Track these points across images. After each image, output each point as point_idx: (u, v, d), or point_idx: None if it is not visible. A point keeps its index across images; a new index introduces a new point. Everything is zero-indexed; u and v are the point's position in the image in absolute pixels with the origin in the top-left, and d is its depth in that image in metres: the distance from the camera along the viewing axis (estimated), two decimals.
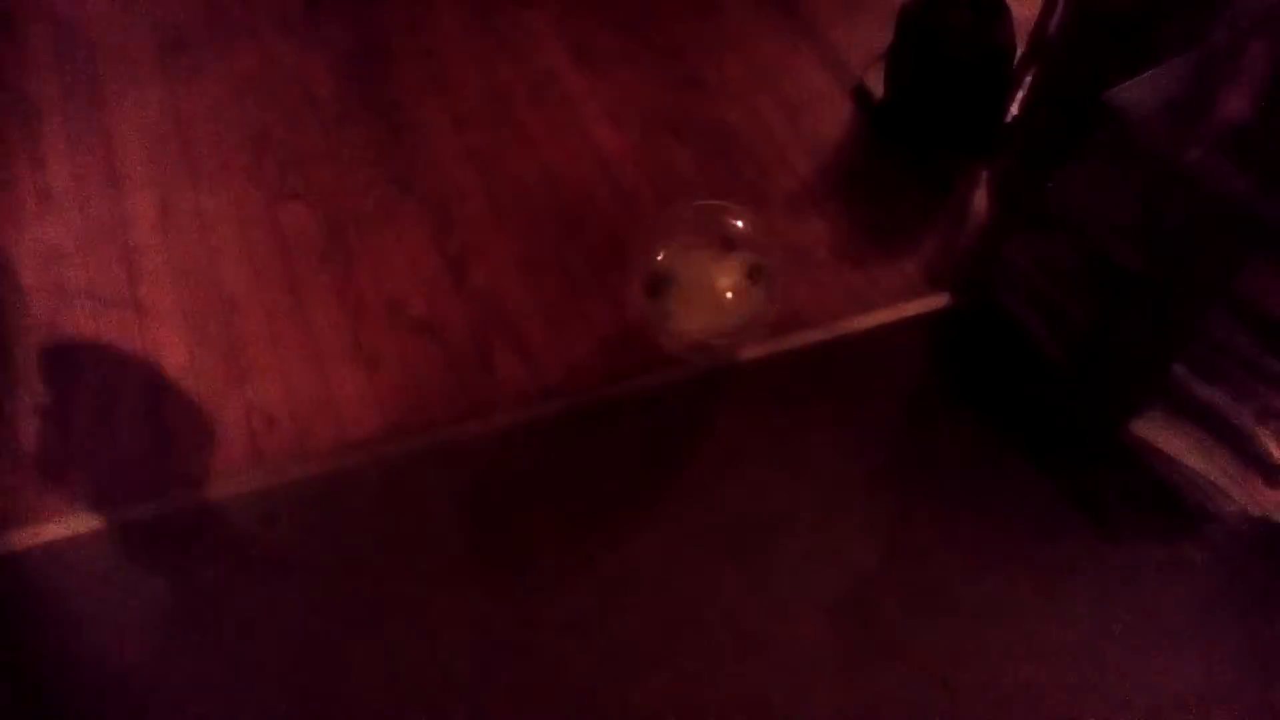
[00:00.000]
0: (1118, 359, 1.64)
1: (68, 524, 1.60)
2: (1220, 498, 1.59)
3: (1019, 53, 2.12)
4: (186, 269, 1.92)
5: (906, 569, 1.68)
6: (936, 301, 2.02)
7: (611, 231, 2.05)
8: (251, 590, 1.56)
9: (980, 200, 2.21)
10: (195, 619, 1.53)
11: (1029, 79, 2.14)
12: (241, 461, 1.69)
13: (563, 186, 2.11)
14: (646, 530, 1.68)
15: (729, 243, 1.74)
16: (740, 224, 1.78)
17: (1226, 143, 1.41)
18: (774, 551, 1.68)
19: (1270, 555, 1.72)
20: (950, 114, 2.23)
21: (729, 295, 1.72)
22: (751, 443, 1.80)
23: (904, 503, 1.76)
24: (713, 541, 1.68)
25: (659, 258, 1.73)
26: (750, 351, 1.89)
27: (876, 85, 2.34)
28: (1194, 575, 1.72)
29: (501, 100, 2.26)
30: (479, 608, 1.57)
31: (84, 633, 1.52)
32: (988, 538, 1.73)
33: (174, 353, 1.81)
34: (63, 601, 1.55)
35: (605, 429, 1.79)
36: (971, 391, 1.89)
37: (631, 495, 1.72)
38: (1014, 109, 2.20)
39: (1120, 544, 1.75)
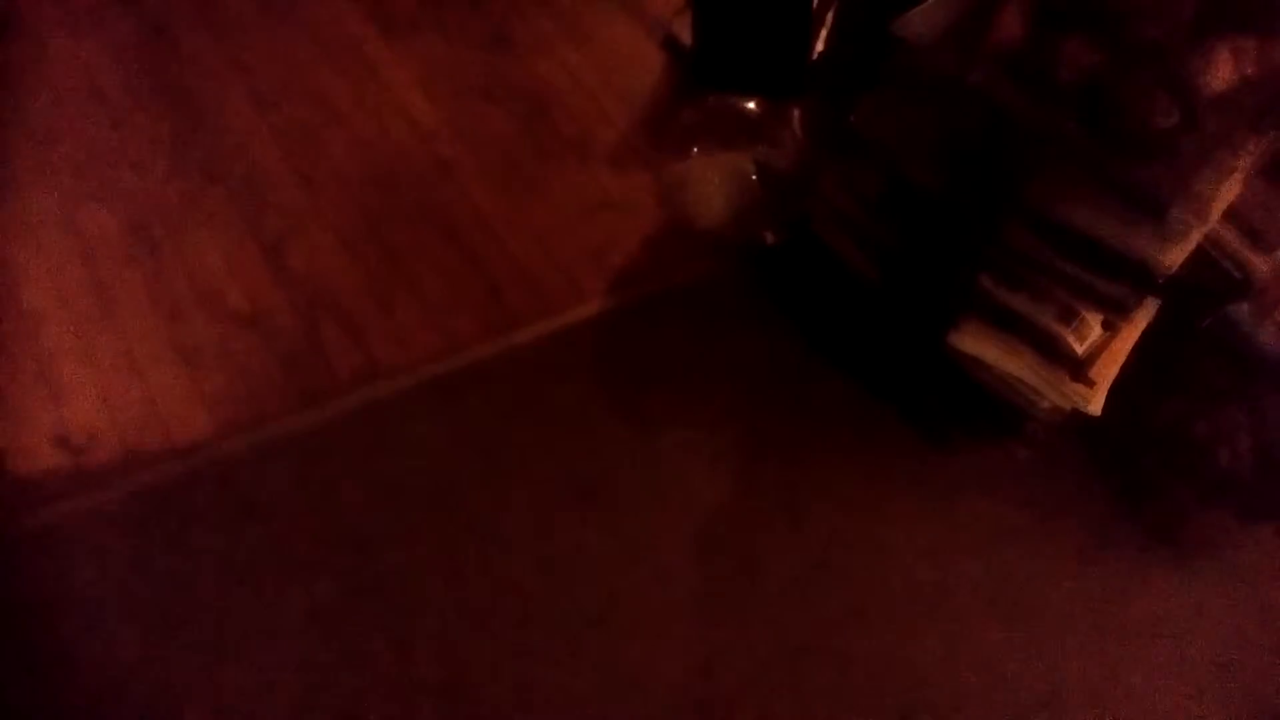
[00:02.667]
0: (927, 276, 1.72)
1: None
2: (1035, 396, 1.69)
3: None
4: None
5: (755, 500, 1.74)
6: (768, 236, 2.07)
7: (431, 202, 2.01)
8: (77, 620, 1.49)
9: (794, 137, 2.26)
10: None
11: (830, 16, 2.19)
12: (65, 482, 1.60)
13: (377, 161, 2.06)
14: (497, 502, 1.68)
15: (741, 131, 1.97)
16: (751, 106, 1.99)
17: (1004, 63, 1.47)
18: (631, 500, 1.71)
19: (1082, 442, 1.86)
20: (759, 56, 2.26)
21: (753, 178, 1.96)
22: (593, 403, 1.81)
23: (751, 436, 1.81)
24: (576, 496, 1.69)
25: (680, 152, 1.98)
26: (581, 312, 1.90)
27: (685, 33, 2.35)
28: (1021, 472, 1.84)
29: (304, 77, 2.18)
30: (329, 618, 1.54)
31: None
32: (828, 463, 1.80)
33: None
34: None
35: (442, 406, 1.76)
36: (801, 323, 1.95)
37: (466, 470, 1.71)
38: (819, 47, 2.24)
39: (952, 452, 1.85)
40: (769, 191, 1.99)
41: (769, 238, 2.04)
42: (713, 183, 2.01)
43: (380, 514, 1.63)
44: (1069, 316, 1.61)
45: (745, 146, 2.05)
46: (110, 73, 2.12)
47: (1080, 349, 1.61)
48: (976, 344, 1.67)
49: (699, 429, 1.81)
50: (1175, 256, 1.48)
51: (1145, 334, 1.68)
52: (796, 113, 2.28)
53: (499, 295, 1.91)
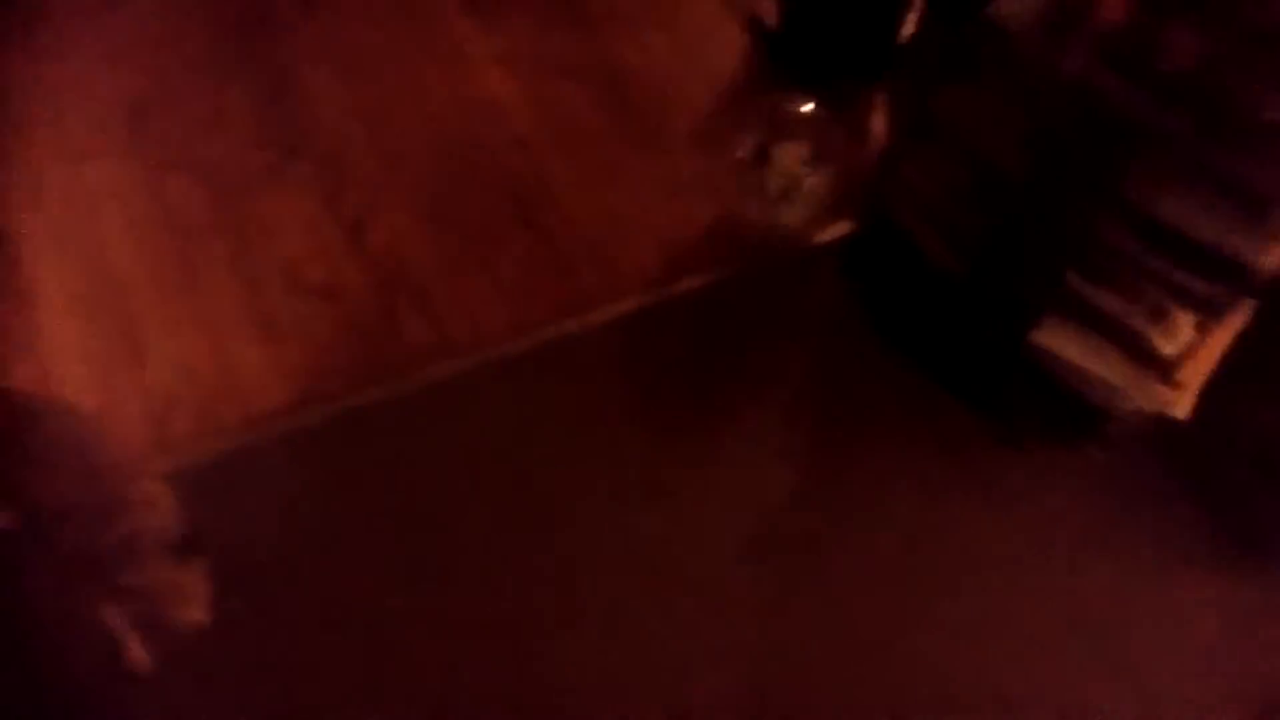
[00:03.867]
0: (1013, 271, 1.67)
1: None
2: (1119, 398, 1.63)
3: None
4: (69, 252, 1.85)
5: (822, 494, 1.72)
6: (841, 228, 2.03)
7: (508, 180, 2.01)
8: None
9: (879, 124, 2.22)
10: None
11: None
12: (144, 447, 1.64)
13: (456, 138, 2.07)
14: (558, 484, 1.68)
15: (795, 129, 1.94)
16: (806, 109, 1.94)
17: (1103, 49, 1.42)
18: (694, 486, 1.69)
19: (1165, 448, 1.79)
20: (846, 38, 2.22)
21: (804, 183, 1.92)
22: (658, 387, 1.80)
23: (819, 428, 1.78)
24: (632, 490, 1.68)
25: (738, 155, 1.92)
26: (684, 284, 1.90)
27: (770, 14, 2.31)
28: (1099, 475, 1.78)
29: (388, 53, 2.19)
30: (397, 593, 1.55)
31: None
32: (899, 458, 1.76)
33: (64, 339, 1.74)
34: None
35: (513, 386, 1.77)
36: (879, 314, 1.91)
37: (535, 452, 1.71)
38: (909, 29, 2.19)
39: (1029, 451, 1.80)
40: (829, 187, 1.95)
41: (840, 230, 2.01)
42: (775, 179, 1.98)
43: (449, 492, 1.64)
44: (1159, 316, 1.55)
45: (808, 142, 2.01)
46: (199, 42, 2.16)
47: (1169, 350, 1.55)
48: (1060, 341, 1.62)
49: (767, 421, 1.79)
50: (1277, 258, 1.41)
51: (1238, 337, 1.62)
52: (881, 99, 2.24)
53: (572, 276, 1.91)
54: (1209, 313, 1.53)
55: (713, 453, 1.74)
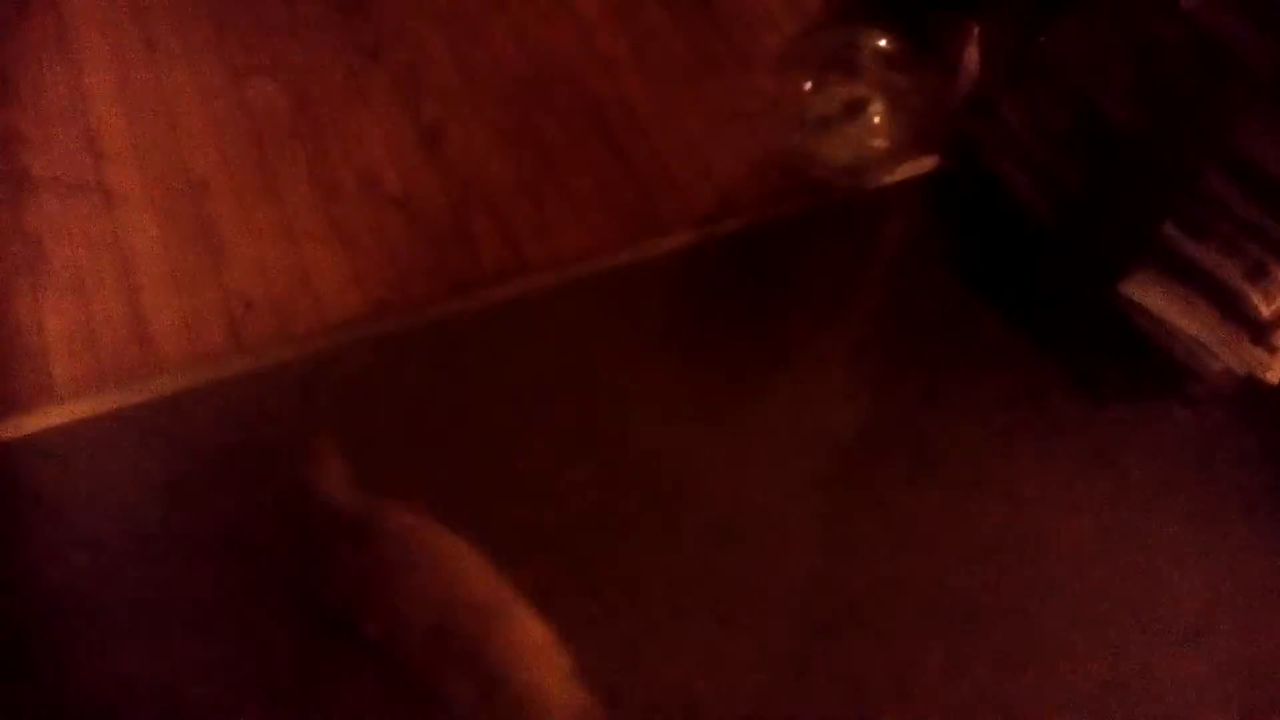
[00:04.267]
0: (1108, 219, 1.61)
1: (48, 414, 1.58)
2: (1207, 356, 1.59)
3: None
4: (152, 150, 1.86)
5: (895, 432, 1.70)
6: (926, 164, 1.98)
7: (588, 99, 1.98)
8: (236, 479, 1.55)
9: (972, 58, 2.13)
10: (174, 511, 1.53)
11: None
12: (221, 346, 1.67)
13: (536, 52, 2.03)
14: (596, 410, 1.68)
15: (865, 68, 1.83)
16: (883, 44, 1.85)
17: None
18: (769, 418, 1.68)
19: (1252, 410, 1.74)
20: None
21: (875, 121, 1.81)
22: (735, 316, 1.78)
23: (891, 367, 1.76)
24: (697, 415, 1.67)
25: (806, 87, 1.82)
26: (736, 220, 1.86)
27: None
28: (1180, 432, 1.74)
29: None
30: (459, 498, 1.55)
31: (60, 523, 1.52)
32: (973, 403, 1.73)
33: (145, 238, 1.76)
34: (44, 490, 1.54)
35: (584, 306, 1.76)
36: (961, 255, 1.87)
37: (602, 373, 1.70)
38: None
39: (1108, 404, 1.76)
40: (899, 127, 1.87)
41: (925, 167, 1.95)
42: (837, 121, 1.86)
43: (514, 407, 1.65)
44: (1258, 274, 1.49)
45: (879, 82, 1.88)
46: None
47: (1266, 311, 1.50)
48: (1151, 294, 1.58)
49: (838, 356, 1.77)
50: None
51: None
52: (976, 32, 2.15)
53: (650, 199, 1.88)
54: None
55: (782, 382, 1.72)
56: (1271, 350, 1.53)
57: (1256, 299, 1.50)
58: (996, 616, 1.55)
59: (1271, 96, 1.37)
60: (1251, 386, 1.59)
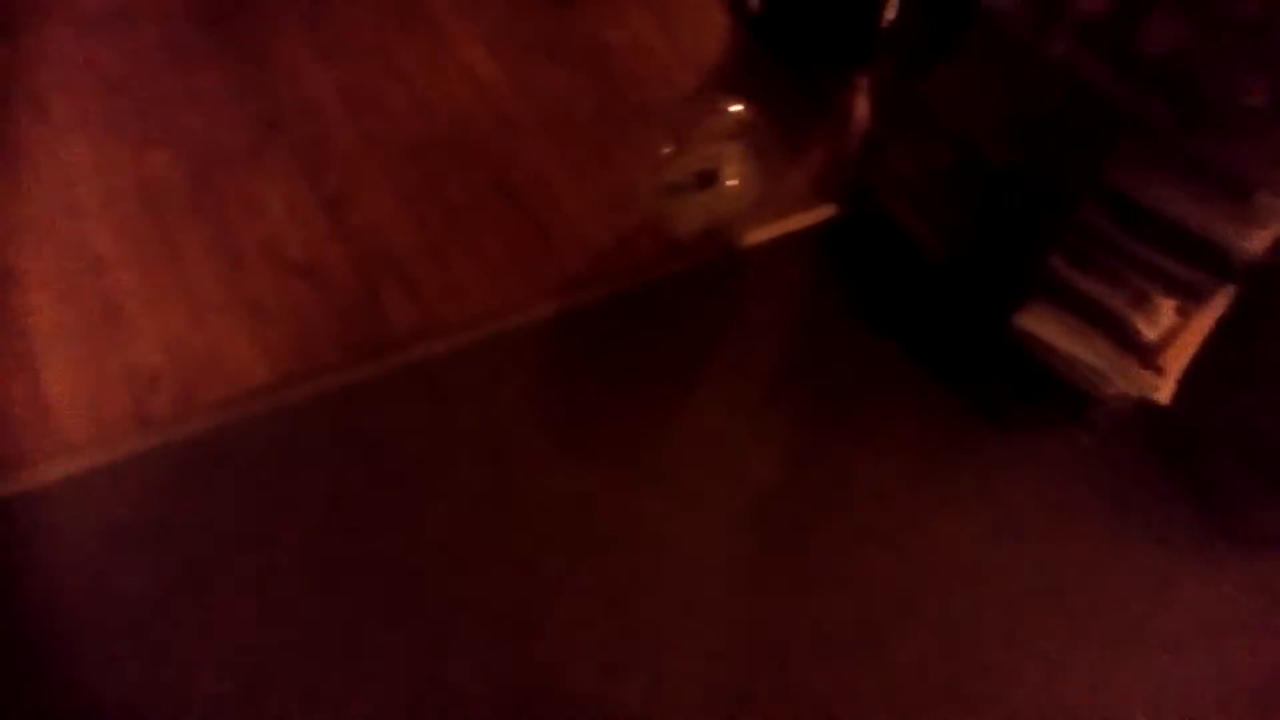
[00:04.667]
0: (997, 254, 1.68)
1: None
2: (1102, 382, 1.65)
3: None
4: (50, 227, 1.82)
5: (805, 474, 1.72)
6: (825, 212, 2.03)
7: (491, 160, 2.00)
8: (134, 560, 1.51)
9: (861, 108, 2.22)
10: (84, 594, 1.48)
11: None
12: (127, 424, 1.62)
13: (439, 118, 2.05)
14: (527, 461, 1.68)
15: (725, 131, 1.84)
16: (736, 109, 1.85)
17: (1087, 34, 1.43)
18: (681, 465, 1.70)
19: (1148, 432, 1.81)
20: (827, 22, 2.22)
21: (733, 183, 1.82)
22: (643, 367, 1.80)
23: (798, 409, 1.78)
24: (620, 472, 1.68)
25: (665, 151, 1.83)
26: (644, 274, 1.89)
27: None
28: (1082, 457, 1.80)
29: (368, 32, 2.17)
30: (378, 562, 1.55)
31: None
32: (882, 439, 1.77)
33: (43, 317, 1.72)
34: None
35: (496, 364, 1.76)
36: (863, 298, 1.92)
37: (516, 431, 1.71)
38: (890, 14, 2.19)
39: (1013, 434, 1.81)
40: (759, 194, 1.90)
41: (823, 215, 2.00)
42: (690, 189, 1.87)
43: (429, 468, 1.64)
44: (1142, 301, 1.56)
45: (735, 149, 1.89)
46: (181, 24, 2.13)
47: (1152, 335, 1.57)
48: (1044, 325, 1.64)
49: (753, 401, 1.79)
50: (1258, 243, 1.42)
51: (1220, 323, 1.63)
52: (864, 83, 2.24)
53: (556, 257, 1.90)
54: (1190, 297, 1.54)
55: (700, 430, 1.74)
56: (1160, 372, 1.60)
57: (1142, 325, 1.56)
58: (919, 645, 1.57)
59: (1136, 133, 1.45)
60: (1146, 408, 1.65)
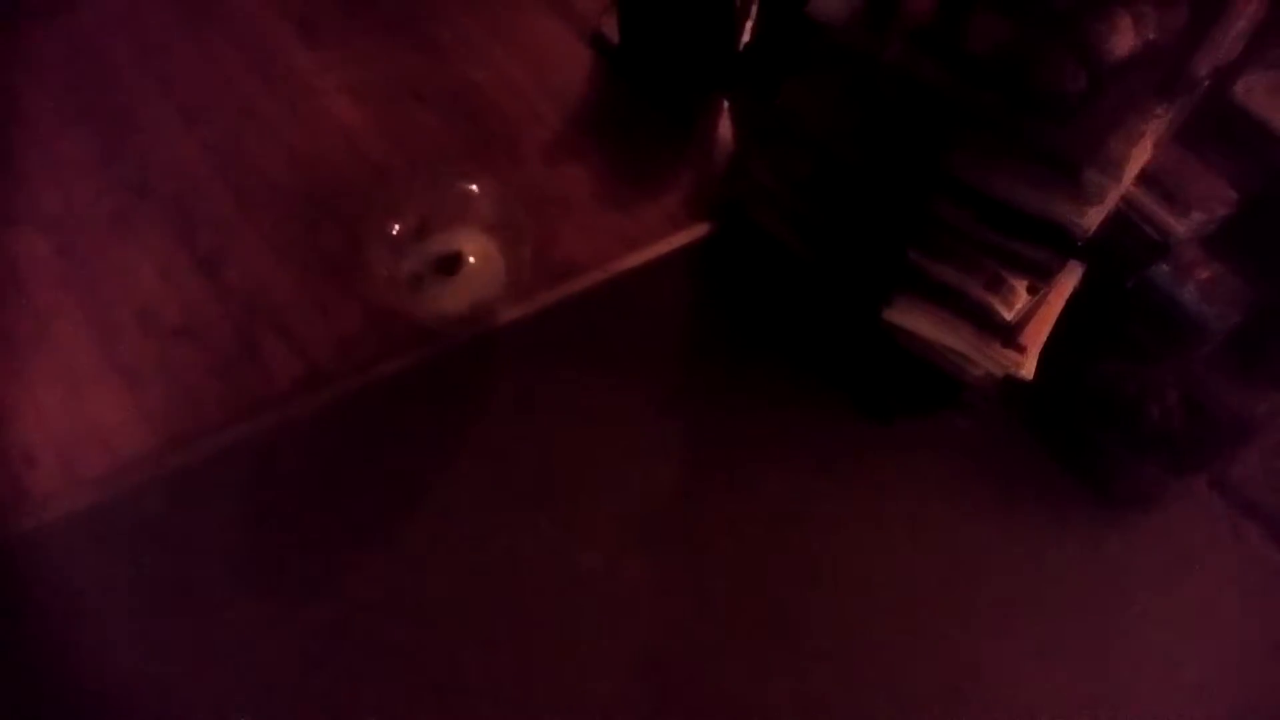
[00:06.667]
0: (860, 253, 1.75)
1: None
2: (970, 366, 1.73)
3: None
4: None
5: (703, 483, 1.76)
6: (699, 230, 2.09)
7: (365, 207, 2.01)
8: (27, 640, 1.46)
9: (724, 127, 2.29)
10: None
11: (754, 7, 2.23)
12: (3, 505, 1.57)
13: (309, 168, 2.05)
14: (449, 497, 1.68)
15: (470, 211, 1.81)
16: (476, 188, 1.83)
17: (917, 38, 1.51)
18: (579, 490, 1.72)
19: (1019, 407, 1.91)
20: (686, 50, 2.29)
21: (482, 263, 1.79)
22: (540, 396, 1.82)
23: (693, 425, 1.83)
24: (519, 494, 1.69)
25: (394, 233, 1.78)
26: (520, 309, 1.91)
27: (613, 31, 2.37)
28: (963, 439, 1.88)
29: (231, 88, 2.16)
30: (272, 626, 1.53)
31: None
32: (771, 445, 1.83)
33: None
34: None
35: (387, 407, 1.76)
36: (743, 309, 1.98)
37: (425, 467, 1.71)
38: (746, 38, 2.28)
39: (895, 424, 1.88)
40: (513, 269, 1.84)
41: (696, 235, 2.05)
42: (431, 276, 1.81)
43: (332, 516, 1.63)
44: (996, 284, 1.64)
45: (475, 231, 1.85)
46: (33, 94, 2.09)
47: (1009, 315, 1.65)
48: (910, 317, 1.71)
49: (642, 417, 1.83)
50: (1093, 218, 1.52)
51: (1073, 298, 1.73)
52: (724, 105, 2.32)
53: None
54: (1040, 276, 1.63)
55: (590, 451, 1.76)
56: (1021, 350, 1.68)
57: (999, 306, 1.65)
58: (836, 640, 1.63)
59: (974, 126, 1.54)
60: (1014, 386, 1.74)
